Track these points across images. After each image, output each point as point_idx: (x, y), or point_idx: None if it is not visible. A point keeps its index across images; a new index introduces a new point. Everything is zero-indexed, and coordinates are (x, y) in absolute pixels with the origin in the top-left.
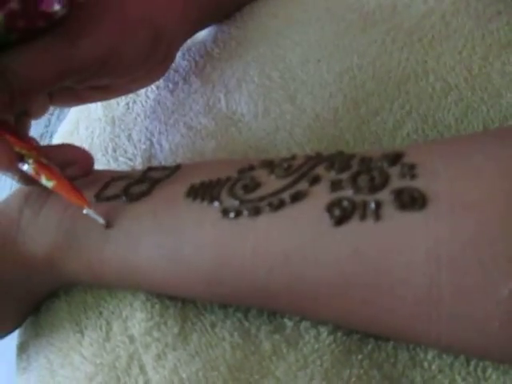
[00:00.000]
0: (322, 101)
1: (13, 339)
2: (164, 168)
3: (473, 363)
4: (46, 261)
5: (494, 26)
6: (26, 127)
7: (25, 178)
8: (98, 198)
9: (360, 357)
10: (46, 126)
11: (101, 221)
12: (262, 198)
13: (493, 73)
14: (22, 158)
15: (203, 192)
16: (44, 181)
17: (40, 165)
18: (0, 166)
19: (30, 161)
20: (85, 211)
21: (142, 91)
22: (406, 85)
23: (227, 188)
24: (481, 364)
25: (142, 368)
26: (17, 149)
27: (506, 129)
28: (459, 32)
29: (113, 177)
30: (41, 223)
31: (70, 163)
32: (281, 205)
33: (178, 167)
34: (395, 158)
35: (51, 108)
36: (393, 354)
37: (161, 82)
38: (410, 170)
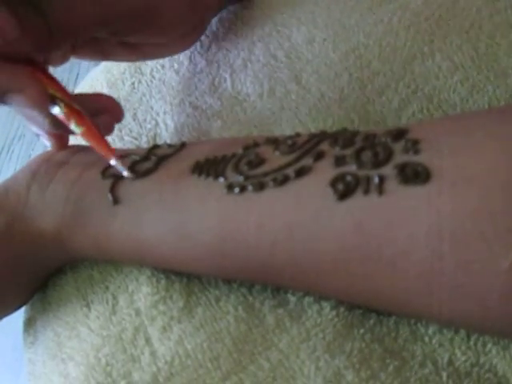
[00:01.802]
0: (328, 80)
1: (18, 315)
2: (169, 145)
3: (473, 338)
4: (54, 236)
5: (502, 5)
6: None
7: (54, 122)
8: (104, 175)
9: (362, 331)
10: None
11: (126, 173)
12: (266, 174)
13: (500, 52)
14: (53, 101)
15: (208, 168)
16: (73, 126)
17: (71, 109)
18: (32, 104)
19: (62, 104)
20: (111, 161)
21: (147, 71)
22: (412, 64)
23: (232, 164)
24: (481, 339)
25: (147, 340)
26: (50, 90)
27: (508, 106)
28: (467, 11)
29: (119, 154)
30: (48, 199)
31: (101, 112)
32: (285, 180)
33: (183, 145)
34: (399, 134)
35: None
36: (394, 328)
37: (166, 62)
38: (414, 145)
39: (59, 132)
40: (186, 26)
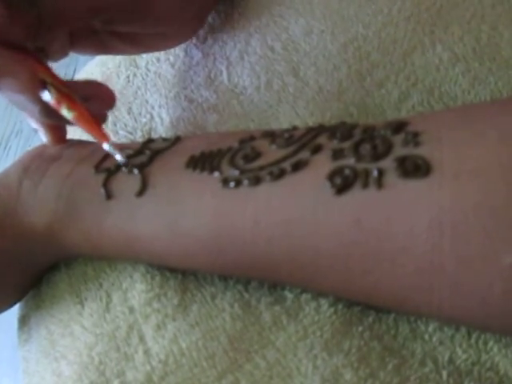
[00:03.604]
0: (326, 73)
1: (17, 311)
2: (164, 139)
3: (474, 336)
4: (46, 232)
5: None
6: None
7: (46, 109)
8: (98, 169)
9: (360, 328)
10: None
11: (119, 158)
12: (262, 168)
13: (502, 43)
14: (44, 86)
15: (203, 162)
16: (65, 111)
17: (62, 94)
18: (22, 88)
19: (52, 89)
20: (104, 146)
21: (142, 64)
22: (412, 56)
23: (227, 158)
24: (482, 337)
25: (141, 338)
26: (40, 75)
27: (510, 97)
28: (468, 1)
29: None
30: (40, 194)
31: (93, 97)
32: (281, 174)
33: (178, 138)
34: (399, 127)
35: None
36: (393, 325)
37: (161, 55)
38: (414, 138)
39: (52, 121)
40: (183, 16)
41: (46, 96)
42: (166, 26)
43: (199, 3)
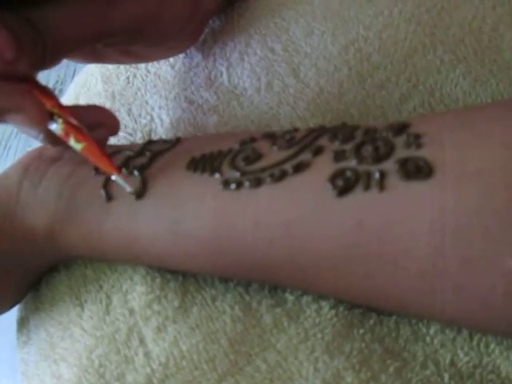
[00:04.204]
0: (327, 74)
1: (16, 312)
2: (164, 141)
3: (476, 338)
4: (46, 233)
5: None
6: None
7: (51, 138)
8: (97, 171)
9: (362, 331)
10: None
11: (129, 189)
12: (263, 169)
13: (503, 45)
14: (51, 117)
15: (204, 164)
16: (73, 142)
17: (69, 125)
18: (31, 123)
19: (60, 120)
20: (113, 177)
21: (142, 65)
22: (413, 57)
23: (228, 160)
24: (484, 339)
25: (141, 340)
26: (47, 107)
27: (510, 99)
28: (469, 2)
29: (113, 150)
30: (40, 195)
31: (98, 125)
32: (283, 176)
33: (178, 140)
34: (400, 128)
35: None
36: (395, 328)
37: None
38: (416, 140)
39: (57, 146)
40: (184, 33)
41: (54, 127)
42: (170, 41)
43: (202, 13)
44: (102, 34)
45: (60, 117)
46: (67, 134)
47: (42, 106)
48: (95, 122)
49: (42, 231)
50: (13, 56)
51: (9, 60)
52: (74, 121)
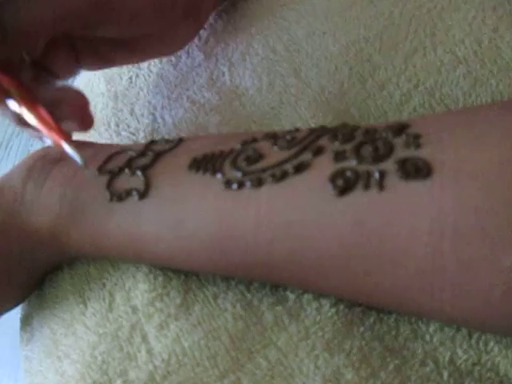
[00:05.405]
0: (328, 74)
1: (16, 312)
2: (167, 141)
3: (475, 336)
4: (50, 234)
5: None
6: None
7: (15, 118)
8: (101, 171)
9: (362, 329)
10: None
11: (78, 160)
12: (264, 169)
13: (503, 45)
14: (8, 95)
15: (206, 164)
16: (26, 115)
17: (24, 100)
18: None
19: (15, 97)
20: (64, 146)
21: (145, 65)
22: (414, 58)
23: (230, 160)
24: (483, 337)
25: (144, 337)
26: (3, 85)
27: (510, 99)
28: (469, 3)
29: (115, 150)
30: (44, 196)
31: (63, 102)
32: (284, 176)
33: (180, 140)
34: (400, 129)
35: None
36: (394, 326)
37: None
38: (415, 140)
39: (26, 130)
40: (168, 17)
41: (11, 104)
42: (148, 24)
43: (181, 3)
44: (60, 16)
45: (16, 93)
46: (20, 106)
47: None
48: (59, 98)
49: (47, 231)
50: None
51: None
52: (29, 97)
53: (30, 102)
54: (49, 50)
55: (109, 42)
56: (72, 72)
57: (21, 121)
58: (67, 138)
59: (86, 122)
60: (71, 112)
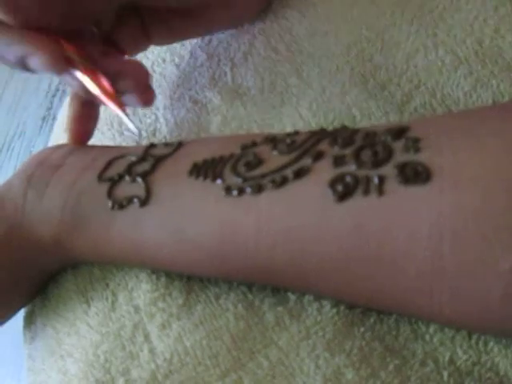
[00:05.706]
0: (329, 74)
1: (18, 313)
2: (166, 145)
3: (474, 337)
4: (53, 242)
5: None
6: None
7: (80, 86)
8: (101, 178)
9: (362, 329)
10: (49, 109)
11: (133, 129)
12: (264, 175)
13: (504, 46)
14: (71, 63)
15: (206, 170)
16: (87, 83)
17: (86, 69)
18: (48, 66)
19: (78, 66)
20: (121, 115)
21: (148, 65)
22: (415, 58)
23: (230, 165)
24: (482, 337)
25: (146, 337)
26: (67, 53)
27: (510, 102)
28: (471, 3)
29: (114, 155)
30: (45, 205)
31: (124, 73)
32: (283, 181)
33: (180, 144)
34: (399, 132)
35: (53, 89)
36: (395, 327)
37: (167, 56)
38: (414, 144)
39: (87, 96)
40: None
41: (77, 73)
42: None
43: None
44: None
45: (80, 63)
46: (83, 77)
47: (59, 51)
48: (119, 71)
49: (49, 240)
50: (33, 12)
51: (33, 17)
52: (91, 66)
53: (92, 71)
54: (117, 26)
55: (176, 14)
56: (140, 48)
57: (85, 90)
58: (124, 108)
59: (147, 97)
60: (133, 85)
